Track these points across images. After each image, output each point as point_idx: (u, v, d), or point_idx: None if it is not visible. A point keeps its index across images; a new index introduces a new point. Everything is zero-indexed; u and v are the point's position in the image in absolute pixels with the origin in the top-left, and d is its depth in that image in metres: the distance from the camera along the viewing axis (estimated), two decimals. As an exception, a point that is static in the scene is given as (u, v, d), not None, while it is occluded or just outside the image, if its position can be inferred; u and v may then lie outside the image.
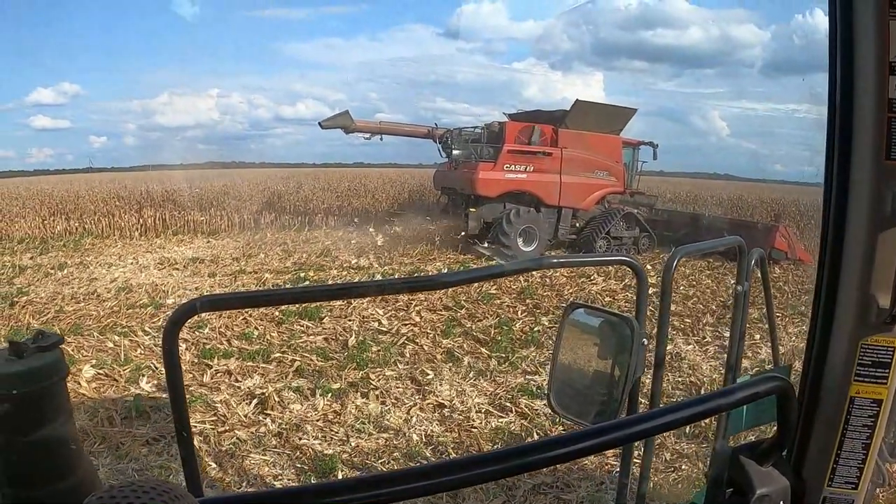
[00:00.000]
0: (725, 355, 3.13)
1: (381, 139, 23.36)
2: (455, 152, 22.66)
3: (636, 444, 3.21)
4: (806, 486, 1.58)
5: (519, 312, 12.66)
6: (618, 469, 2.98)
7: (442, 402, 8.17)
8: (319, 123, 22.63)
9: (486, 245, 20.90)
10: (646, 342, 2.46)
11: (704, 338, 11.37)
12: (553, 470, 6.43)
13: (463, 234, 21.30)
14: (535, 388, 8.44)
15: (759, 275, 3.02)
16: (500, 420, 7.73)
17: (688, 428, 7.30)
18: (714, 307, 13.64)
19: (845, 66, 1.39)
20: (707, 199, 37.70)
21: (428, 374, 9.05)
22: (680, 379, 9.35)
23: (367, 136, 23.18)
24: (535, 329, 11.40)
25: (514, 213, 20.86)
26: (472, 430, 7.48)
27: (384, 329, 11.13)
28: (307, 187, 39.89)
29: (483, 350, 10.24)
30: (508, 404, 8.11)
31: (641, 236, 22.08)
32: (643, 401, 2.84)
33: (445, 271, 16.12)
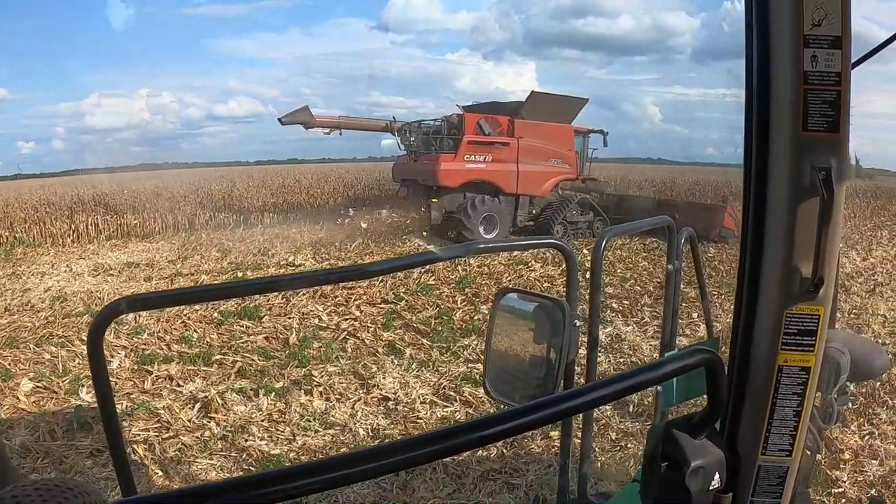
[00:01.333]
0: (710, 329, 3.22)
1: (340, 133, 24.18)
2: (414, 144, 23.66)
3: (577, 425, 3.25)
4: (740, 456, 1.58)
5: (458, 302, 12.75)
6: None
7: (386, 395, 8.22)
8: (279, 119, 23.06)
9: (449, 234, 21.80)
10: (578, 324, 2.53)
11: (643, 318, 11.66)
12: (501, 455, 6.58)
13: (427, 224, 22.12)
14: (477, 377, 8.45)
15: (691, 253, 3.14)
16: (446, 409, 7.82)
17: (631, 406, 7.45)
18: (651, 288, 13.90)
19: (762, 40, 1.43)
20: (644, 183, 38.21)
21: (371, 368, 9.09)
22: (621, 360, 9.55)
23: (327, 131, 23.79)
24: (476, 318, 11.49)
25: (475, 202, 21.75)
26: (418, 421, 7.54)
27: (324, 325, 11.13)
28: (241, 185, 39.50)
29: (424, 341, 10.31)
30: (452, 393, 8.20)
31: (595, 220, 22.89)
32: (580, 381, 2.92)
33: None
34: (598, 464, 6.47)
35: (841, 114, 1.40)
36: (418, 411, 7.75)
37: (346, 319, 11.43)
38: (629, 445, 6.90)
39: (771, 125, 1.44)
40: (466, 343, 10.04)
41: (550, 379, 2.35)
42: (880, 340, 11.04)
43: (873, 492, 6.07)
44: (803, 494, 2.32)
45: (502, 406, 2.56)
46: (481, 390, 8.00)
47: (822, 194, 1.39)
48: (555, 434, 6.38)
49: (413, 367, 9.19)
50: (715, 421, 1.46)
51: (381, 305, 12.39)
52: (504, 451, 6.67)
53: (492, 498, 6.07)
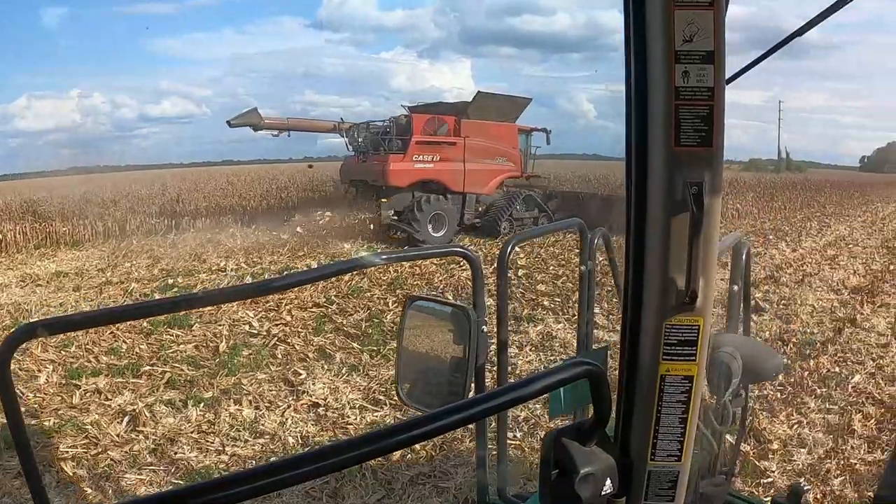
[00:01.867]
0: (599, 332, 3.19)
1: (289, 135, 24.56)
2: (363, 144, 23.91)
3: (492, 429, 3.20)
4: (632, 461, 1.60)
5: (390, 304, 12.79)
6: (495, 453, 3.06)
7: (316, 401, 8.25)
8: (228, 122, 23.30)
9: (397, 234, 22.51)
10: (485, 329, 2.58)
11: (574, 316, 11.55)
12: (430, 458, 6.67)
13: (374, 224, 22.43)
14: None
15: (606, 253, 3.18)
16: (375, 414, 7.88)
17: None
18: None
19: (638, 54, 1.43)
20: (581, 179, 38.56)
21: (301, 374, 9.11)
22: (552, 357, 9.72)
23: (275, 132, 24.24)
24: None
25: (424, 201, 22.19)
26: (348, 426, 7.59)
27: (255, 331, 11.12)
28: (174, 188, 38.93)
29: (355, 345, 10.37)
30: (382, 397, 8.26)
31: (540, 216, 23.90)
32: (490, 385, 2.91)
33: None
34: (528, 464, 6.55)
35: (714, 128, 1.43)
36: (348, 417, 7.81)
37: (276, 325, 11.46)
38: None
39: (648, 140, 1.45)
40: (396, 345, 10.02)
41: (460, 384, 2.39)
42: (808, 329, 11.45)
43: (802, 480, 6.10)
44: (719, 490, 2.38)
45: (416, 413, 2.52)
46: (410, 394, 8.16)
47: (693, 209, 1.42)
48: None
49: (343, 371, 9.24)
50: (602, 429, 1.48)
51: (313, 309, 12.43)
52: (434, 454, 6.77)
53: (421, 502, 6.15)
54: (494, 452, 3.08)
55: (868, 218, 34.01)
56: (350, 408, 8.01)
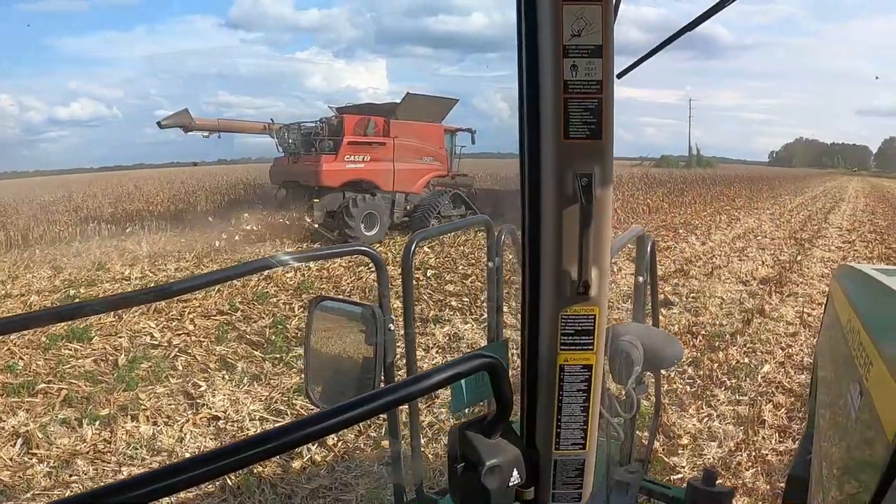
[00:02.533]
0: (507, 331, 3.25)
1: (219, 137, 24.79)
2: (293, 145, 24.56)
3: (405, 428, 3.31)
4: (539, 452, 1.64)
5: (296, 309, 12.64)
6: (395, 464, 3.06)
7: (216, 414, 8.07)
8: (158, 123, 23.34)
9: (334, 234, 22.70)
10: (392, 328, 2.58)
11: (482, 315, 11.63)
12: (331, 471, 6.59)
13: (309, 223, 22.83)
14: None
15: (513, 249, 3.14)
16: (277, 424, 7.75)
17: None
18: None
19: (529, 48, 1.45)
20: (495, 177, 38.72)
21: (201, 386, 8.90)
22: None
23: (206, 133, 24.36)
24: None
25: (357, 201, 22.82)
26: (248, 439, 7.46)
27: (156, 342, 10.85)
28: (80, 194, 38.07)
29: (257, 353, 10.22)
30: (283, 407, 8.15)
31: (467, 213, 24.55)
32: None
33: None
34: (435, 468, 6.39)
35: (603, 121, 1.45)
36: (248, 429, 7.65)
37: (179, 335, 11.19)
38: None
39: (540, 131, 1.48)
40: (300, 352, 9.91)
41: (369, 382, 2.42)
42: (717, 321, 11.73)
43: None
44: (634, 476, 2.45)
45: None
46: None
47: (582, 200, 1.45)
48: (386, 443, 6.55)
49: (245, 381, 9.08)
50: (504, 421, 1.50)
51: (216, 317, 12.18)
52: (334, 465, 6.70)
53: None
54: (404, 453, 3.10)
55: (777, 210, 35.31)
56: (250, 419, 7.85)
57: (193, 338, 11.08)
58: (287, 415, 7.97)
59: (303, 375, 8.89)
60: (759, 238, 23.05)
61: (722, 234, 23.91)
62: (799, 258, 18.83)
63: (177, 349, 10.48)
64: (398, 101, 25.63)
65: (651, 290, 2.93)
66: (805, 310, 12.70)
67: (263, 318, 12.06)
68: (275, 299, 13.44)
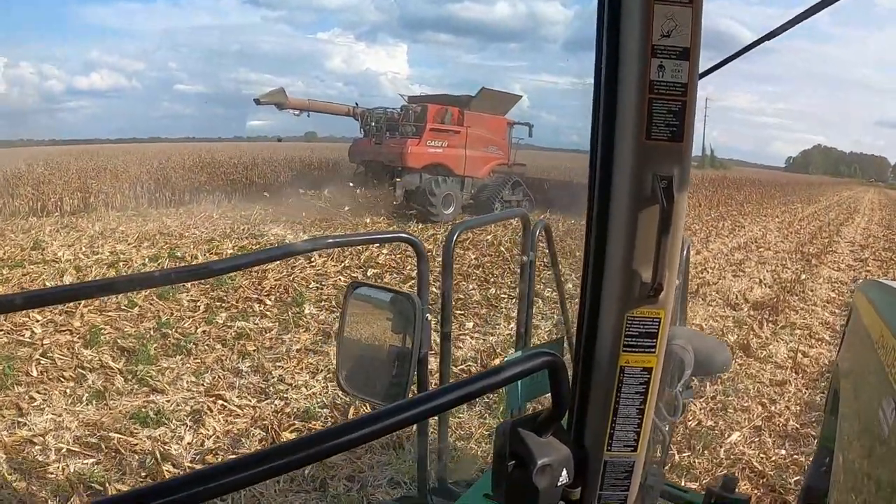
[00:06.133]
0: (558, 326, 3.19)
1: (308, 116, 27.12)
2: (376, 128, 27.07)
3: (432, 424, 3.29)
4: (588, 452, 1.61)
5: (201, 310, 11.21)
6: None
7: (33, 437, 6.65)
8: (255, 99, 25.65)
9: (415, 211, 25.33)
10: (429, 318, 2.56)
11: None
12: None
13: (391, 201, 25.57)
14: (153, 414, 7.20)
15: (547, 246, 3.28)
16: (80, 463, 6.30)
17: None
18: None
19: (611, 46, 1.42)
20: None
21: (35, 400, 7.51)
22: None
23: (297, 112, 26.48)
24: (201, 329, 10.17)
25: (437, 181, 25.23)
26: (32, 474, 6.08)
27: (28, 341, 9.38)
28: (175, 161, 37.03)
29: (113, 364, 8.68)
30: (95, 440, 6.68)
31: (524, 200, 26.77)
32: (433, 380, 2.97)
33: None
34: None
35: (685, 124, 1.43)
36: (49, 463, 6.24)
37: (61, 332, 9.78)
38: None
39: (616, 133, 1.45)
40: (167, 366, 8.59)
41: (403, 373, 2.42)
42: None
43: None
44: (656, 480, 2.27)
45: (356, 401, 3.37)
46: (142, 434, 6.80)
47: (663, 202, 1.42)
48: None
49: (84, 398, 7.64)
50: (559, 420, 1.48)
51: (110, 313, 10.69)
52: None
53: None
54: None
55: (786, 219, 34.01)
56: (55, 451, 6.41)
57: (72, 338, 9.64)
58: (100, 449, 6.53)
59: (154, 395, 7.59)
60: (761, 250, 21.43)
61: (721, 242, 22.39)
62: (803, 277, 16.90)
63: (41, 351, 9.02)
64: (471, 94, 27.94)
65: (682, 294, 2.78)
66: (801, 347, 10.49)
67: (148, 321, 10.55)
68: (188, 296, 11.85)
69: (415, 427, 3.34)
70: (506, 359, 2.34)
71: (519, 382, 2.30)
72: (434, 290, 2.89)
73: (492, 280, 14.61)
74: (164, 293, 11.70)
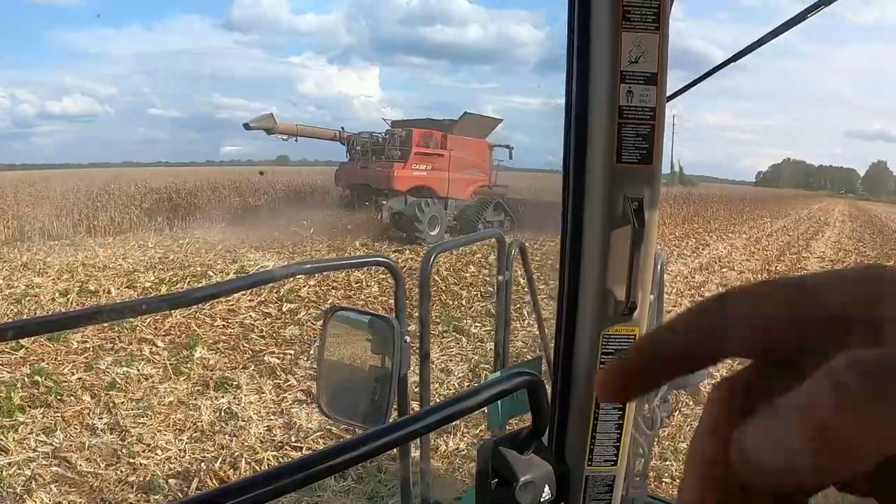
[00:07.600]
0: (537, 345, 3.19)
1: (297, 140, 27.58)
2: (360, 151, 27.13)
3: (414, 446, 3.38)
4: (569, 468, 1.65)
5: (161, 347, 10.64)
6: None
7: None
8: (244, 124, 25.60)
9: (401, 233, 24.90)
10: (408, 340, 2.56)
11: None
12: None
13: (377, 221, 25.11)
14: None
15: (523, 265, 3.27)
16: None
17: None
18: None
19: (581, 72, 1.50)
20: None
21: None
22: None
23: (286, 137, 26.86)
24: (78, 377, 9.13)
25: (424, 203, 24.98)
26: None
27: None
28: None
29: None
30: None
31: (505, 220, 26.72)
32: (414, 402, 2.98)
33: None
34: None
35: (654, 147, 1.49)
36: None
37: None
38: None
39: (588, 155, 1.51)
40: (21, 420, 7.73)
41: (383, 396, 2.43)
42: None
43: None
44: (639, 492, 2.38)
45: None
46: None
47: (634, 223, 1.48)
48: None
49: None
50: (540, 437, 1.50)
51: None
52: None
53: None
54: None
55: (754, 234, 33.47)
56: None
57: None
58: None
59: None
60: (724, 270, 20.25)
61: (683, 263, 20.85)
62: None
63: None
64: (446, 116, 28.97)
65: (658, 310, 2.74)
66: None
67: (28, 366, 9.53)
68: (80, 337, 10.67)
69: (396, 449, 3.19)
70: (486, 379, 2.40)
71: (499, 402, 2.14)
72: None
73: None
74: (56, 335, 10.35)
